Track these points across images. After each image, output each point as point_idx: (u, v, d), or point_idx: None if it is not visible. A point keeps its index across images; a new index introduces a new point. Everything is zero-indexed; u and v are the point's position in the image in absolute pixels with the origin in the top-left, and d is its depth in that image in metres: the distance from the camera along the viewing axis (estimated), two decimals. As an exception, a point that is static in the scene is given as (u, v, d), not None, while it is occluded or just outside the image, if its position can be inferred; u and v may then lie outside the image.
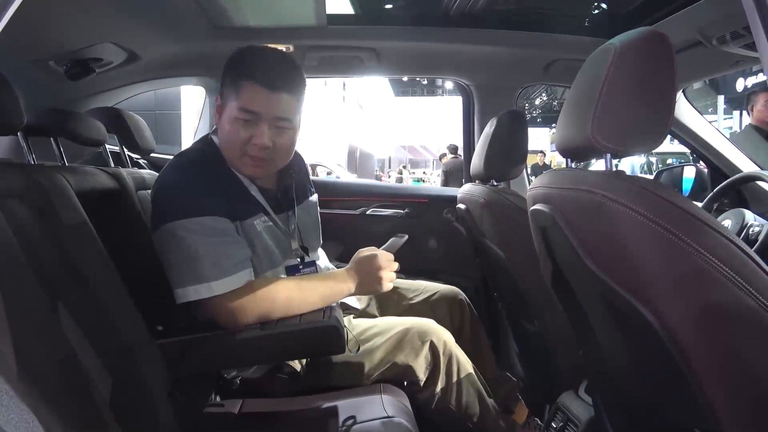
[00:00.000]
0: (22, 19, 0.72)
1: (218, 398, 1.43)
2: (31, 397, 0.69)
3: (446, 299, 1.80)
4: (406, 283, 1.89)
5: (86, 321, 0.97)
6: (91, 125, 1.56)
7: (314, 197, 1.67)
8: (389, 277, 1.38)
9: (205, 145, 1.43)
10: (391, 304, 1.80)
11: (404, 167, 18.63)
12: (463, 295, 1.86)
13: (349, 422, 1.24)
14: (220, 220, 1.27)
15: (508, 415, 1.71)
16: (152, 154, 2.05)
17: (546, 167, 10.27)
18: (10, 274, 0.85)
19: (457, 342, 1.52)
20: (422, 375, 1.44)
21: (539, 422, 1.73)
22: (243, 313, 1.24)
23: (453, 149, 10.90)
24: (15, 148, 1.66)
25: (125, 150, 1.88)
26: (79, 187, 1.17)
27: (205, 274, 1.22)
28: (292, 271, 1.44)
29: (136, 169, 1.80)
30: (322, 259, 1.66)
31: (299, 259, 1.47)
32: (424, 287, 1.85)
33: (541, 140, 18.39)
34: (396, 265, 1.41)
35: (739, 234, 1.49)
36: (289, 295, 1.28)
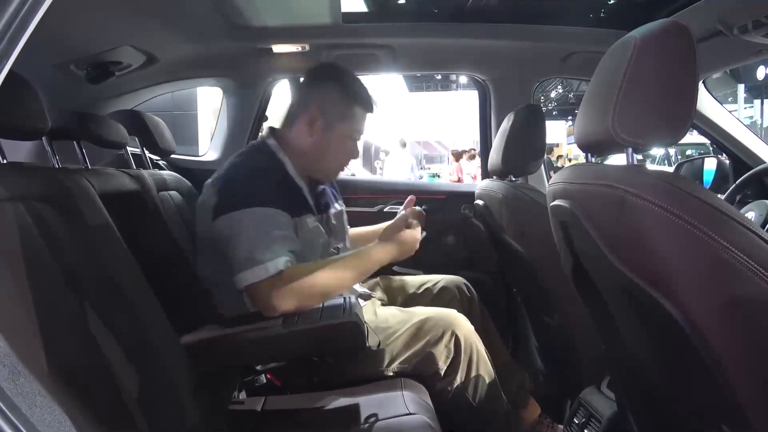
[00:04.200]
0: (43, 24, 0.73)
1: (241, 396, 1.45)
2: (63, 396, 0.71)
3: (450, 288, 1.84)
4: (411, 277, 1.95)
5: (112, 320, 0.98)
6: (113, 128, 1.58)
7: (341, 206, 1.77)
8: (417, 238, 1.48)
9: (262, 148, 1.56)
10: (396, 294, 1.86)
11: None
12: (466, 282, 1.89)
13: (372, 419, 1.24)
14: (282, 213, 1.39)
15: (518, 410, 1.71)
16: (171, 156, 2.08)
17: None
18: (39, 276, 0.87)
19: None
20: (443, 364, 1.45)
21: (551, 421, 1.72)
22: (282, 299, 1.29)
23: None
24: (38, 152, 1.68)
25: (146, 152, 1.91)
26: (101, 189, 1.19)
27: (262, 258, 1.30)
28: None
29: (157, 171, 1.82)
30: None
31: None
32: (428, 278, 1.90)
33: (557, 133, 18.11)
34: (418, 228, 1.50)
35: (763, 226, 1.47)
36: (326, 283, 1.34)
